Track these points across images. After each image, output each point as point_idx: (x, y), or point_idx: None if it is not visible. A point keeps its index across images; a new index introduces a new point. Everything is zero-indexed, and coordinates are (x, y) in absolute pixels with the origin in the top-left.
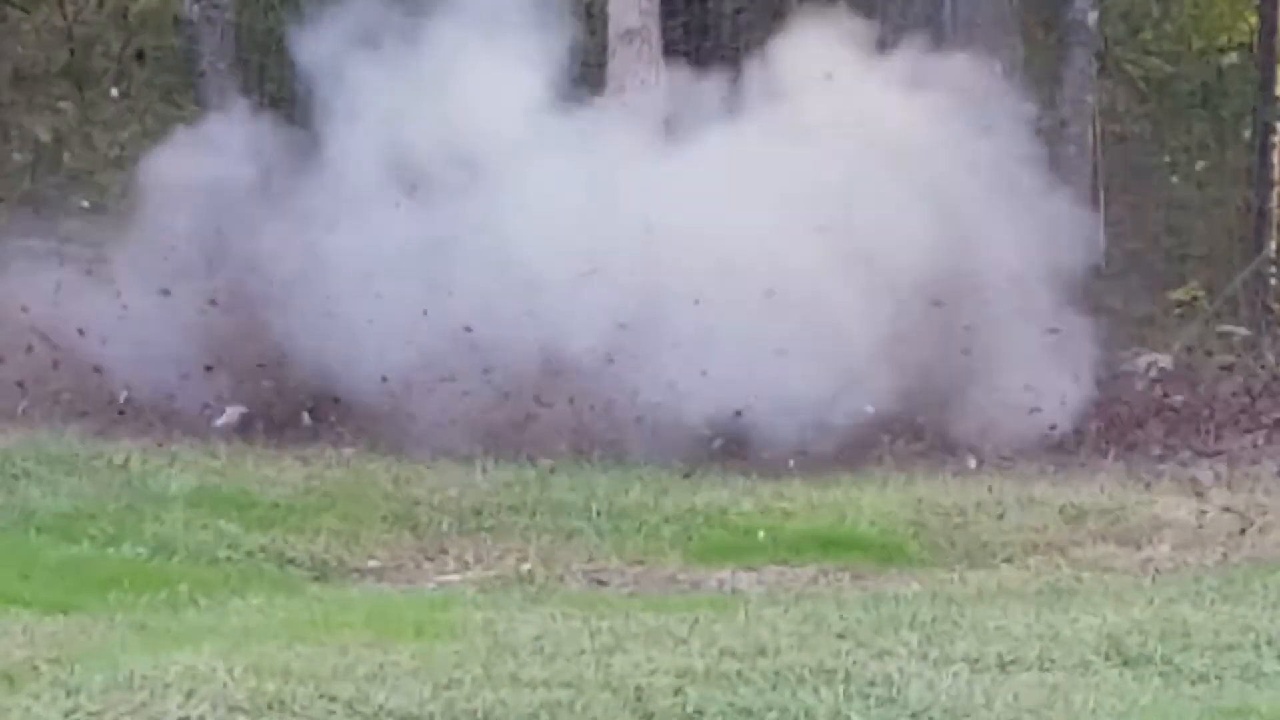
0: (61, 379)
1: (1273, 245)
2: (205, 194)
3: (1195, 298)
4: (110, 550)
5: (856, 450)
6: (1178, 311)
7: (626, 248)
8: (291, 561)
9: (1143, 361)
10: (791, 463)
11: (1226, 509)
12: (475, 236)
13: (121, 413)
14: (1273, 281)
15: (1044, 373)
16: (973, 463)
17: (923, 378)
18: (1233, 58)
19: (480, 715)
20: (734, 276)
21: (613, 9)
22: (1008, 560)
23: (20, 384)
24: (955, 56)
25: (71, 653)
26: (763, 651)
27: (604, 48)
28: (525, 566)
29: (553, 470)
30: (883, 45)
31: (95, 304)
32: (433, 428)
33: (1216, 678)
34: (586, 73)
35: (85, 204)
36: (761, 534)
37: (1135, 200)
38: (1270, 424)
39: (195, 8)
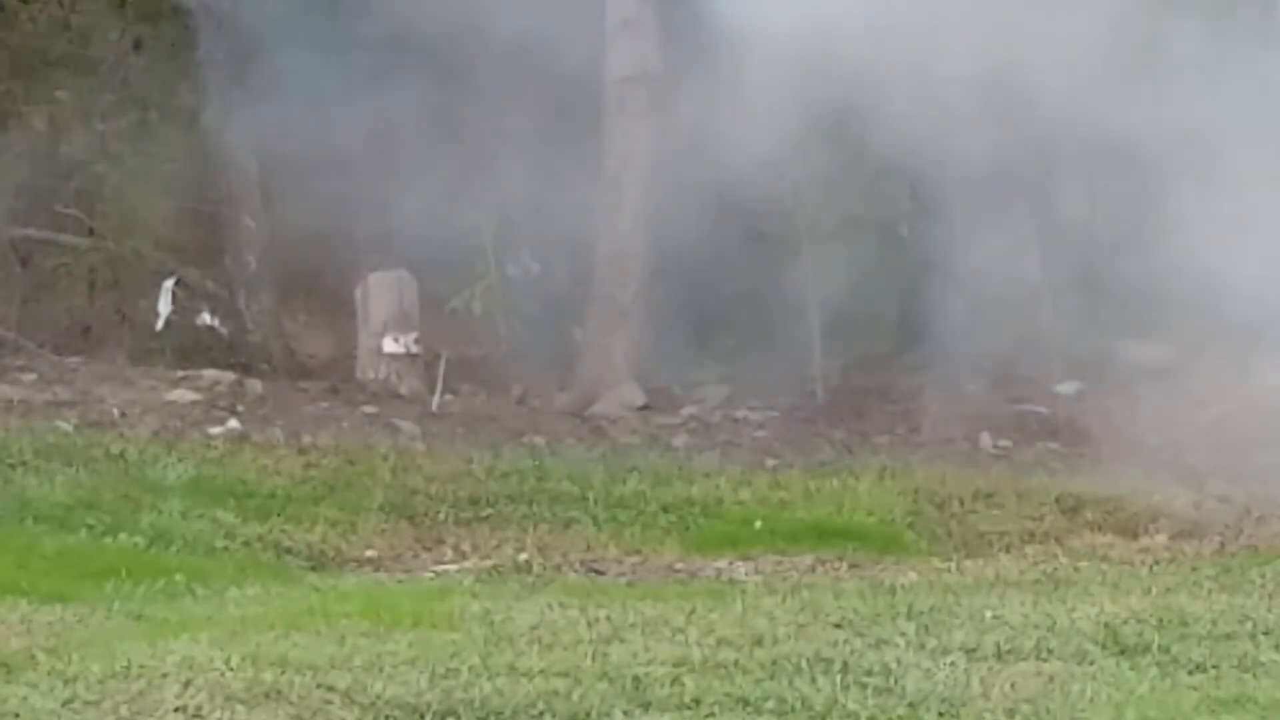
0: None
1: None
2: None
3: None
4: (108, 540)
5: None
6: None
7: None
8: (289, 551)
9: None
10: None
11: (1224, 498)
12: None
13: None
14: None
15: None
16: None
17: None
18: None
19: (477, 705)
20: None
21: None
22: (1005, 550)
23: None
24: None
25: (69, 642)
26: (760, 641)
27: None
28: (523, 556)
29: None
30: None
31: None
32: None
33: (1214, 667)
34: None
35: None
36: (758, 524)
37: None
38: None
39: None
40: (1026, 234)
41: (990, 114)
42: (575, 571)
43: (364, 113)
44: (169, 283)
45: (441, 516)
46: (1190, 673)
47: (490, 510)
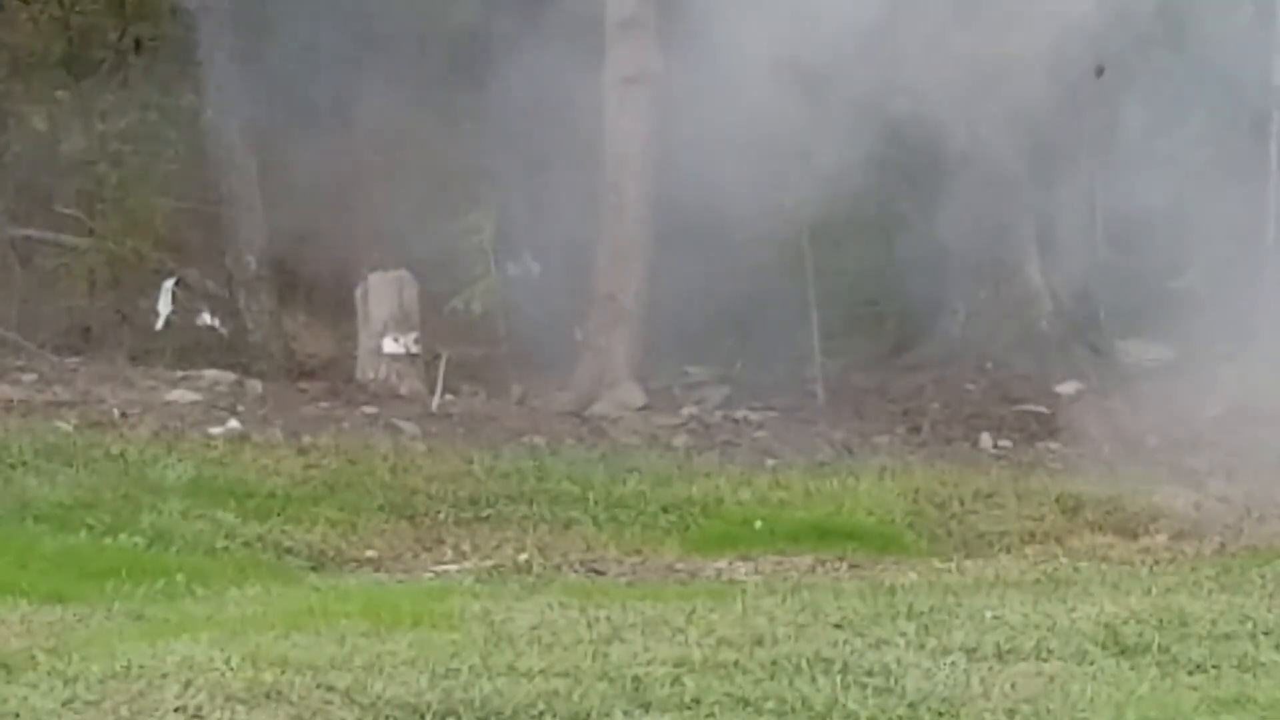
0: None
1: None
2: None
3: None
4: (108, 540)
5: None
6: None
7: None
8: (289, 551)
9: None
10: None
11: (1224, 498)
12: None
13: None
14: None
15: None
16: None
17: None
18: None
19: (477, 705)
20: None
21: None
22: (1005, 550)
23: None
24: None
25: (69, 642)
26: (760, 641)
27: None
28: (523, 556)
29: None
30: None
31: None
32: None
33: (1214, 667)
34: None
35: None
36: (759, 524)
37: None
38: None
39: None
40: (1027, 233)
41: (990, 112)
42: (575, 571)
43: (364, 113)
44: (169, 283)
45: (441, 516)
46: (1190, 673)
47: (490, 510)
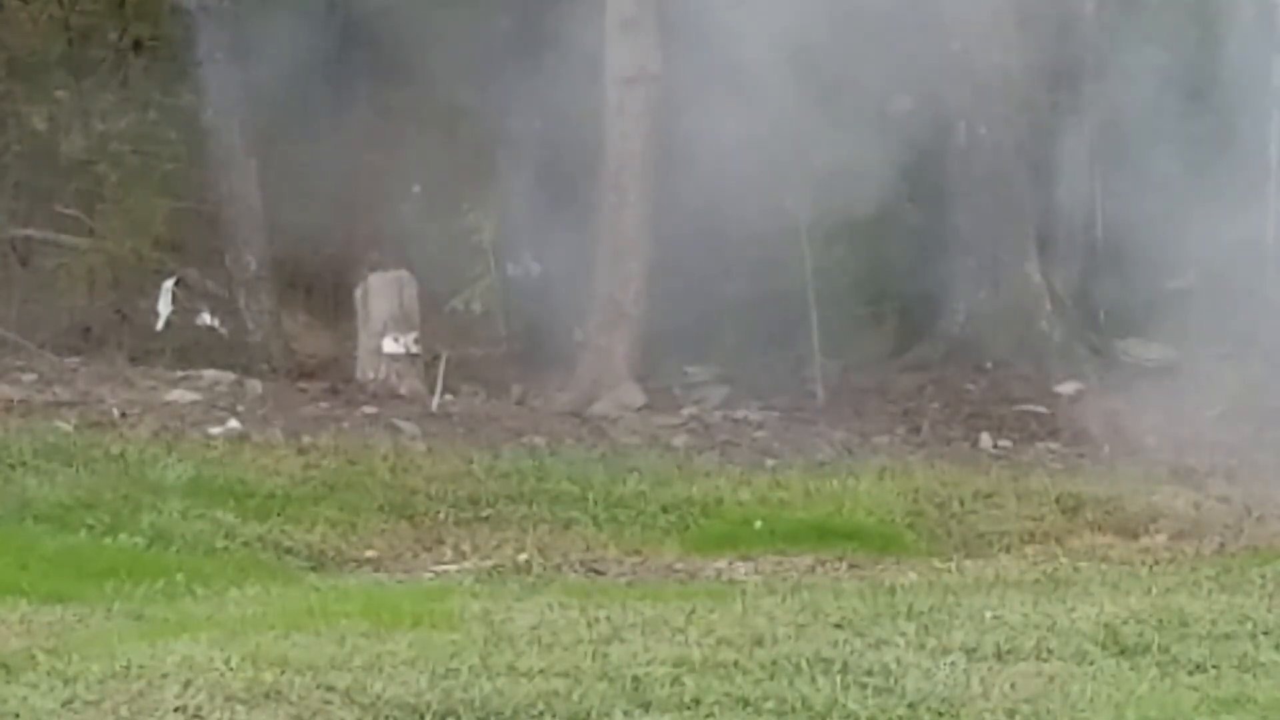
0: None
1: None
2: None
3: None
4: (107, 540)
5: None
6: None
7: None
8: (289, 551)
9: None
10: None
11: (1224, 498)
12: None
13: None
14: None
15: None
16: None
17: None
18: None
19: (477, 705)
20: None
21: None
22: (1005, 550)
23: None
24: None
25: (69, 642)
26: (760, 641)
27: None
28: (522, 556)
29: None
30: None
31: None
32: None
33: (1214, 667)
34: None
35: None
36: (758, 524)
37: None
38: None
39: None
40: (1027, 233)
41: (989, 112)
42: (575, 571)
43: (363, 113)
44: (169, 283)
45: (441, 516)
46: (1190, 673)
47: (490, 510)
